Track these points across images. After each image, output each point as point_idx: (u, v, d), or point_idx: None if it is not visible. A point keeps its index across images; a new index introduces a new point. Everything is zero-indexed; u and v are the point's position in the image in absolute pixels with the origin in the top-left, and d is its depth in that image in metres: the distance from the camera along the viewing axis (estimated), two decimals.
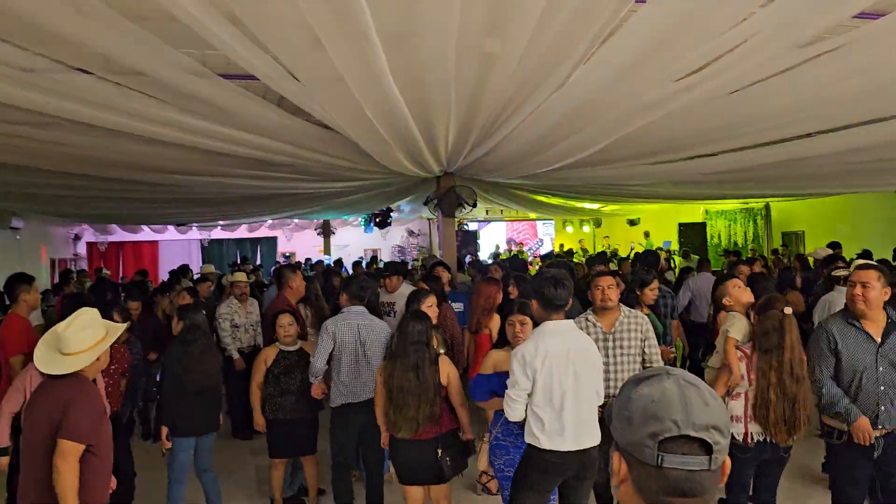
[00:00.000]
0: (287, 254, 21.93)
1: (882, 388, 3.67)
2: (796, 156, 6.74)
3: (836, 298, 5.44)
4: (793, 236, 17.73)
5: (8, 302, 5.47)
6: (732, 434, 3.86)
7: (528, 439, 3.59)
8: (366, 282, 5.10)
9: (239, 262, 17.72)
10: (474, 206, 10.93)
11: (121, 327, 3.41)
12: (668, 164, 7.69)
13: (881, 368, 3.68)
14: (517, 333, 4.06)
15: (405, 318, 4.29)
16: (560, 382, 3.49)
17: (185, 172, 7.73)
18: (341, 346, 4.74)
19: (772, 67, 4.05)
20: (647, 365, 4.37)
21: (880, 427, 3.67)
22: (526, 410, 3.59)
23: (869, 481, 3.80)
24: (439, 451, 4.13)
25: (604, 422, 3.49)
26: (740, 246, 18.61)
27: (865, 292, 3.68)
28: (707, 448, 1.19)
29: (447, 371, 4.21)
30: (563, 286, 3.56)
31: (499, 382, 3.88)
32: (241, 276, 7.78)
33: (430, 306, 4.85)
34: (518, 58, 3.90)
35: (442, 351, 4.66)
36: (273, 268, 12.94)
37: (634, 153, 7.00)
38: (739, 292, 4.48)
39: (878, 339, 3.70)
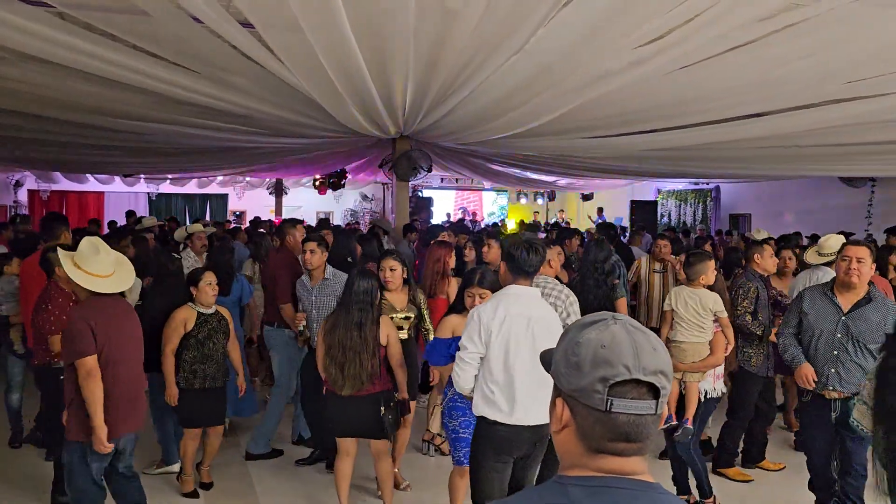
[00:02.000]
0: (237, 212, 21.57)
1: (835, 352, 3.99)
2: (740, 136, 6.87)
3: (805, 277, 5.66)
4: (740, 218, 18.17)
5: None
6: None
7: (477, 411, 3.44)
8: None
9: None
10: (429, 170, 10.88)
11: None
12: (619, 137, 7.75)
13: (839, 335, 3.99)
14: (474, 304, 3.95)
15: (352, 274, 4.26)
16: (515, 350, 3.30)
17: (134, 117, 7.46)
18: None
19: (726, 44, 4.09)
20: None
21: (831, 388, 4.00)
22: (476, 379, 3.44)
23: (829, 444, 4.13)
24: (382, 409, 4.16)
25: None
26: (689, 226, 19.02)
27: (860, 266, 3.95)
28: (655, 392, 1.19)
29: (387, 331, 4.23)
30: (535, 251, 3.40)
31: (458, 347, 3.87)
32: (198, 227, 7.59)
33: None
34: (479, 16, 3.86)
35: (410, 315, 4.72)
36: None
37: (588, 125, 7.03)
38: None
39: (845, 310, 4.00)
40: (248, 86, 5.80)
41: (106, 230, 12.69)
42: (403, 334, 4.72)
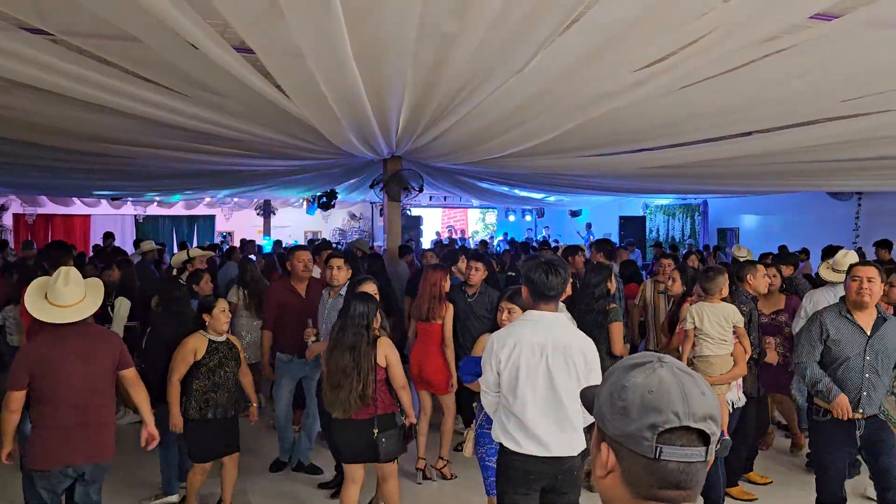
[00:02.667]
0: (225, 233, 21.45)
1: (867, 375, 4.03)
2: (735, 153, 6.91)
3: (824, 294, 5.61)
4: (728, 232, 18.28)
5: None
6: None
7: (495, 438, 3.35)
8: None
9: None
10: (421, 190, 10.88)
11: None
12: (613, 155, 7.78)
13: (868, 358, 4.03)
14: (503, 321, 3.98)
15: (349, 299, 4.28)
16: (526, 380, 3.15)
17: (124, 142, 7.41)
18: None
19: (724, 65, 4.12)
20: None
21: (861, 411, 4.03)
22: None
23: (847, 464, 4.22)
24: (375, 431, 4.11)
25: None
26: (678, 241, 19.11)
27: (871, 286, 4.01)
28: (705, 439, 1.17)
29: (385, 352, 4.17)
30: (556, 273, 3.19)
31: None
32: (199, 252, 7.50)
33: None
34: (478, 40, 3.86)
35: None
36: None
37: (582, 144, 7.04)
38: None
39: (868, 332, 4.05)
40: (242, 110, 5.77)
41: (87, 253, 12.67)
42: None
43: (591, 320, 5.19)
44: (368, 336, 4.12)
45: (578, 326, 5.05)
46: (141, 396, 3.94)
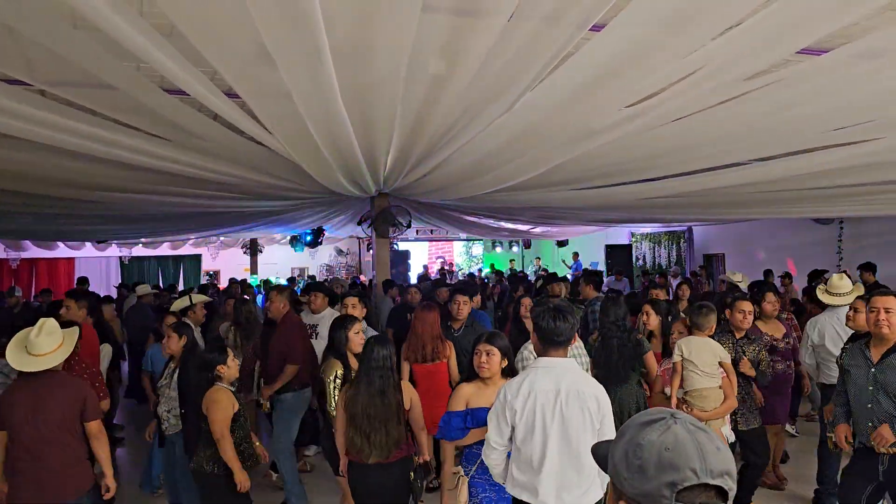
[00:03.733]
0: (211, 272, 21.30)
1: (869, 405, 3.96)
2: (723, 183, 6.96)
3: (828, 320, 5.58)
4: (713, 259, 18.38)
5: None
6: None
7: (509, 490, 3.22)
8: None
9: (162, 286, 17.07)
10: (409, 226, 10.87)
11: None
12: (600, 189, 7.81)
13: (871, 388, 3.97)
14: (481, 363, 3.79)
15: (369, 343, 4.18)
16: (542, 428, 3.05)
17: (109, 189, 7.37)
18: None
19: (712, 99, 4.15)
20: None
21: (873, 443, 3.90)
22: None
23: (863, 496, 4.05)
24: (412, 474, 4.11)
25: None
26: (663, 268, 19.18)
27: (889, 317, 3.91)
28: (723, 495, 1.16)
29: (409, 396, 4.19)
30: (563, 319, 3.14)
31: (473, 419, 3.74)
32: (202, 297, 7.38)
33: (357, 332, 4.79)
34: (468, 81, 3.87)
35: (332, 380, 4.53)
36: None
37: (570, 178, 7.07)
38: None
39: (875, 360, 3.98)
40: (228, 153, 5.75)
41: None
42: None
43: (628, 353, 5.01)
44: (394, 378, 4.10)
45: (616, 360, 4.97)
46: (101, 451, 4.00)
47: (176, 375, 5.02)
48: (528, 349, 4.28)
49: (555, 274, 15.22)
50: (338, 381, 4.59)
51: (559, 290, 8.22)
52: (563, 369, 3.15)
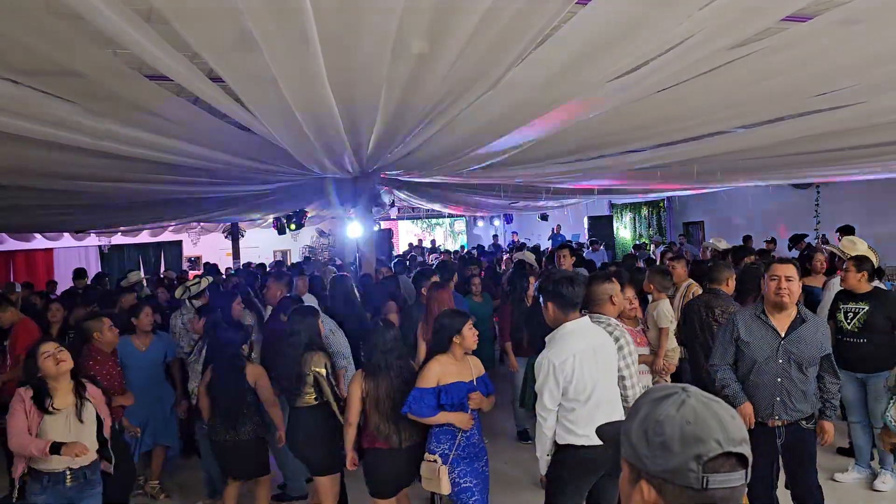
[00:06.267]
0: (193, 258, 21.12)
1: (779, 380, 3.81)
2: (706, 153, 7.00)
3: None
4: (691, 227, 18.54)
5: None
6: None
7: (561, 440, 3.51)
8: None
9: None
10: (392, 205, 10.87)
11: None
12: (588, 161, 7.82)
13: (780, 361, 3.80)
14: (474, 340, 4.00)
15: (375, 330, 4.23)
16: (591, 379, 3.46)
17: (85, 178, 7.24)
18: None
19: (699, 68, 4.14)
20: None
21: (776, 417, 3.82)
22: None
23: (772, 472, 3.99)
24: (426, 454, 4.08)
25: None
26: (644, 238, 19.34)
27: (790, 285, 3.80)
28: (744, 462, 1.19)
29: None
30: (577, 283, 3.54)
31: (447, 396, 3.82)
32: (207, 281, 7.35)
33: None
34: (452, 61, 3.83)
35: (322, 372, 4.48)
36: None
37: (555, 152, 7.06)
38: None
39: (783, 333, 3.83)
40: (210, 138, 5.67)
41: (63, 287, 12.20)
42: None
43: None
44: (408, 360, 4.21)
45: (536, 329, 5.20)
46: None
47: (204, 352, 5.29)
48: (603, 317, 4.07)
49: (523, 244, 15.84)
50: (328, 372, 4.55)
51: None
52: (585, 329, 3.57)
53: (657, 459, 1.19)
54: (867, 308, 5.17)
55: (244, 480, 4.94)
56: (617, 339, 3.81)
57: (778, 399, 3.80)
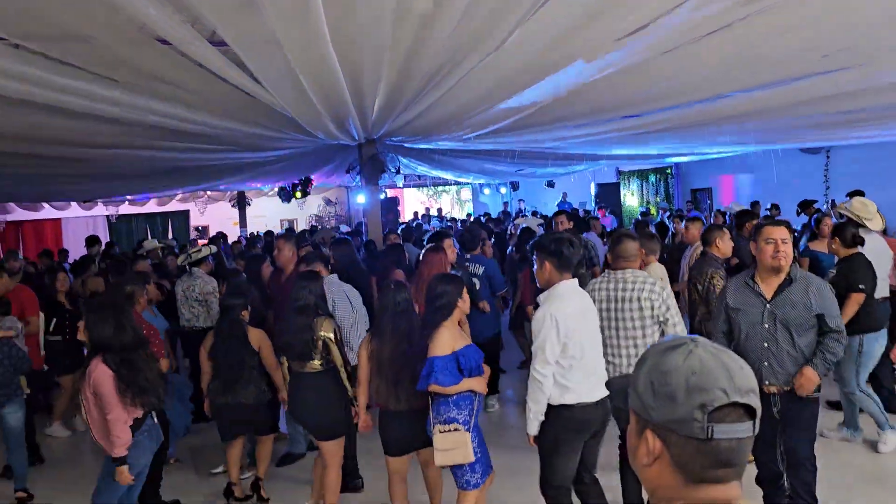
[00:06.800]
0: (200, 227, 21.17)
1: (765, 344, 3.72)
2: (716, 116, 6.94)
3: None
4: (699, 193, 18.42)
5: None
6: None
7: (554, 401, 3.56)
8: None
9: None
10: (398, 171, 10.81)
11: None
12: (590, 126, 7.76)
13: (766, 325, 3.72)
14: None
15: (387, 290, 4.16)
16: (583, 337, 3.56)
17: (92, 145, 7.23)
18: None
19: (706, 27, 4.08)
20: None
21: (767, 383, 3.72)
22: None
23: (775, 440, 3.91)
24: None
25: None
26: (651, 206, 19.22)
27: (786, 248, 3.69)
28: (751, 413, 1.17)
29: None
30: (576, 245, 3.64)
31: (465, 361, 3.74)
32: (209, 250, 7.40)
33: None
34: (456, 20, 3.78)
35: (332, 337, 4.44)
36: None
37: (562, 116, 7.00)
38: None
39: (769, 297, 3.74)
40: (212, 104, 5.64)
41: (74, 256, 12.21)
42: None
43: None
44: (418, 322, 4.08)
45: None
46: None
47: None
48: (630, 271, 4.14)
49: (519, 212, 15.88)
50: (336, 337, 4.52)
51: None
52: (576, 290, 3.68)
53: (662, 409, 1.18)
54: (835, 272, 5.28)
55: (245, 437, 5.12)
56: (653, 284, 4.00)
57: (766, 364, 3.73)
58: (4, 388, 5.16)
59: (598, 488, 3.91)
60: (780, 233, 3.71)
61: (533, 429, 3.62)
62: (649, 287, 3.99)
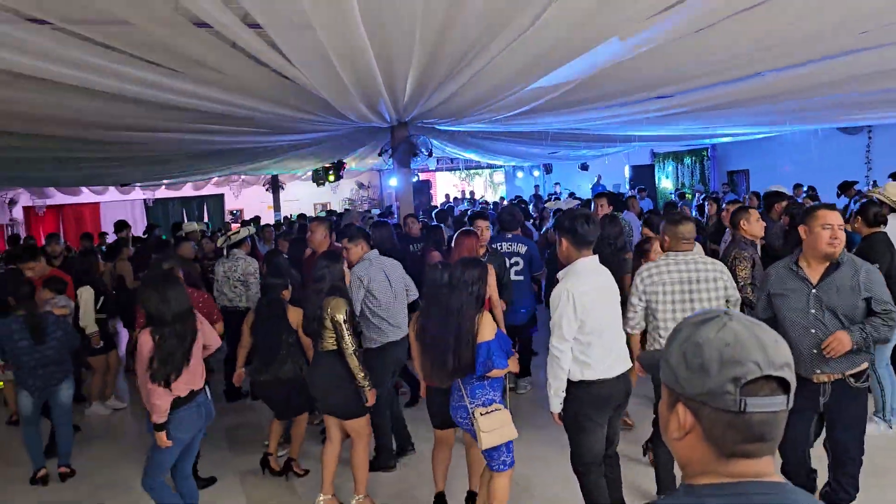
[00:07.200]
0: (235, 211, 21.47)
1: (813, 331, 3.57)
2: (750, 95, 6.82)
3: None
4: (737, 175, 18.12)
5: None
6: None
7: (575, 377, 3.57)
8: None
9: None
10: (430, 154, 10.82)
11: None
12: (623, 106, 7.69)
13: (813, 311, 3.57)
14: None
15: (457, 265, 3.98)
16: (602, 314, 3.56)
17: (132, 128, 7.38)
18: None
19: (739, 4, 4.02)
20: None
21: (818, 371, 3.57)
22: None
23: (810, 430, 3.83)
24: None
25: None
26: (686, 187, 18.97)
27: (841, 234, 3.55)
28: (785, 386, 1.15)
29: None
30: (593, 222, 3.60)
31: (504, 343, 3.85)
32: (247, 231, 7.50)
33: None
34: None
35: (341, 319, 4.30)
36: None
37: (593, 97, 6.95)
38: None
39: (815, 282, 3.60)
40: (246, 87, 5.71)
41: (110, 239, 12.50)
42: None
43: (612, 270, 5.12)
44: (476, 304, 3.87)
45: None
46: None
47: None
48: (690, 255, 4.13)
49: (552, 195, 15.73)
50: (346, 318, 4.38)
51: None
52: (595, 267, 3.67)
53: (694, 382, 1.17)
54: (855, 251, 5.02)
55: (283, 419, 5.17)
56: (723, 266, 4.05)
57: (815, 352, 3.54)
58: (60, 364, 5.30)
59: (615, 460, 3.91)
60: (837, 218, 3.56)
61: (555, 406, 3.63)
62: (720, 268, 4.06)
